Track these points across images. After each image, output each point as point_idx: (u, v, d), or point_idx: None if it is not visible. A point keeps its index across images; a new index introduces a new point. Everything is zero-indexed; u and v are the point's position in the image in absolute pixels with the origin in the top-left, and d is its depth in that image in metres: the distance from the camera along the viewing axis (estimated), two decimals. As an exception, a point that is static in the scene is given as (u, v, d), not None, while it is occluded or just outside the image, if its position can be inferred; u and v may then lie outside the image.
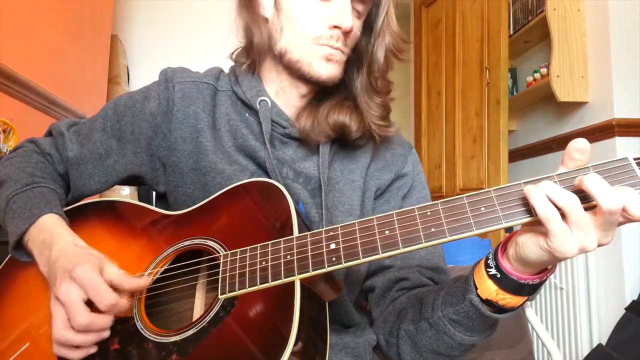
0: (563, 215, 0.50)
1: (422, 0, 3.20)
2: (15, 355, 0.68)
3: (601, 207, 0.48)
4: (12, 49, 1.64)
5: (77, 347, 0.63)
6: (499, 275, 0.58)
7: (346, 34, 0.76)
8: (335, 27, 0.75)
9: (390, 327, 0.76)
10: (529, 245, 0.54)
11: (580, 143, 0.52)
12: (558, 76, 2.11)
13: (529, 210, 0.53)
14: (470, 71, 2.65)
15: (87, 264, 0.63)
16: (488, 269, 0.59)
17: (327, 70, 0.77)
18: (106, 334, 0.64)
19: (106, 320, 0.63)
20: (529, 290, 0.58)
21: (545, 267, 0.57)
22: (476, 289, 0.61)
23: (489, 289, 0.59)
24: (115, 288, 0.64)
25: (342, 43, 0.77)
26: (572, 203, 0.49)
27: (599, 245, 0.51)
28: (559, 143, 2.28)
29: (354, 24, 0.77)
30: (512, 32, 2.46)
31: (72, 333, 0.62)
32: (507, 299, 0.58)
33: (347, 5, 0.75)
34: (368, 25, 0.81)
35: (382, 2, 0.79)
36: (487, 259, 0.60)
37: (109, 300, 0.62)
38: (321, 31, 0.75)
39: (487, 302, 0.60)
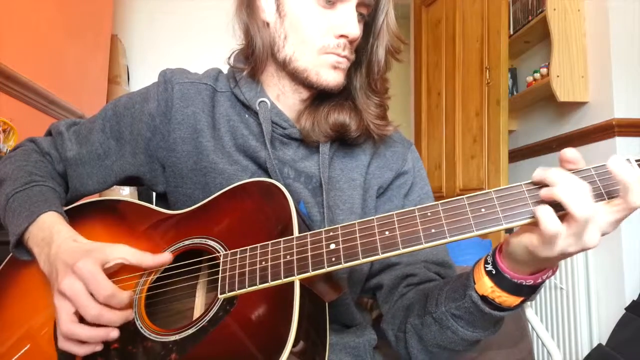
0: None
1: (422, 0, 3.20)
2: (16, 357, 0.68)
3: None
4: (12, 49, 1.65)
5: (83, 342, 0.63)
6: (494, 272, 0.59)
7: (352, 41, 0.76)
8: (342, 36, 0.75)
9: (399, 322, 0.76)
10: (516, 245, 0.55)
11: (569, 153, 0.53)
12: (558, 76, 2.10)
13: (530, 211, 0.53)
14: (470, 71, 2.65)
15: (89, 258, 0.64)
16: (486, 265, 0.60)
17: (335, 78, 0.77)
18: (115, 334, 0.64)
19: (115, 315, 0.63)
20: (526, 291, 0.58)
21: (540, 269, 0.57)
22: (475, 284, 0.61)
23: (484, 285, 0.60)
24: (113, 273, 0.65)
25: (348, 51, 0.77)
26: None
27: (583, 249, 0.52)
28: (559, 143, 2.28)
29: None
30: (512, 32, 2.46)
31: (80, 327, 0.62)
32: (503, 297, 0.59)
33: (353, 13, 0.75)
34: (366, 26, 0.80)
35: (381, 3, 0.78)
36: (487, 255, 0.61)
37: (105, 290, 0.62)
38: (328, 40, 0.75)
39: (485, 299, 0.60)
